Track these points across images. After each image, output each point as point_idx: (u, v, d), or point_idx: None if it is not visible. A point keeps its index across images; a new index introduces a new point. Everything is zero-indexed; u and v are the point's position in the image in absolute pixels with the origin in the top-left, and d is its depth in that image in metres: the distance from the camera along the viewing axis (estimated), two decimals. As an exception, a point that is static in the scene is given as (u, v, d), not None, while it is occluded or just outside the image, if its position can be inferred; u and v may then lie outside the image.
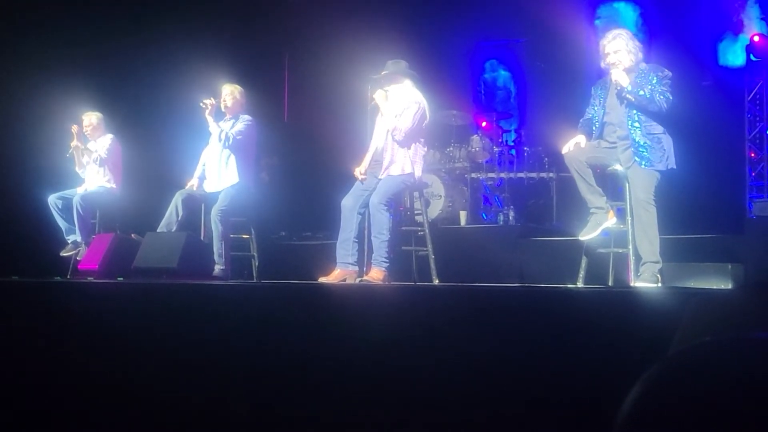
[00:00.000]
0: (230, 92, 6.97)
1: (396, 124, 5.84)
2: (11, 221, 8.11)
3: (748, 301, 1.00)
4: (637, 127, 5.01)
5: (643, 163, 4.97)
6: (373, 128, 6.19)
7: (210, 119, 6.81)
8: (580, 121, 5.38)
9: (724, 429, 0.71)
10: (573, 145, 5.22)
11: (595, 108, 5.26)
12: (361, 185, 5.95)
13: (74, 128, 7.72)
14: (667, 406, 0.74)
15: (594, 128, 5.24)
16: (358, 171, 6.00)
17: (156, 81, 8.96)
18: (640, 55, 5.14)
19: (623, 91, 5.00)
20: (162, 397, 3.87)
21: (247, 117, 6.95)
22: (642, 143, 4.99)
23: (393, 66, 6.05)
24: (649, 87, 4.97)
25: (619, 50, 5.09)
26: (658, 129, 5.03)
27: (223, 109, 6.93)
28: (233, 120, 6.92)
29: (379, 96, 5.97)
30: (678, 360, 0.81)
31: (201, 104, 6.81)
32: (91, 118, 7.82)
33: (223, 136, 6.74)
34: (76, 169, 7.74)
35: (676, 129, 5.14)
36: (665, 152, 5.01)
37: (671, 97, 4.98)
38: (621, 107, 5.08)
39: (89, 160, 7.70)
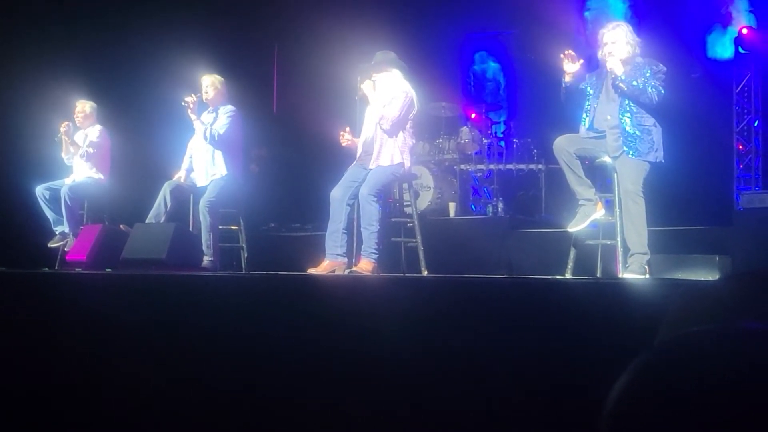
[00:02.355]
0: (211, 83, 6.88)
1: (383, 113, 5.84)
2: (-2, 212, 8.08)
3: (733, 291, 1.01)
4: (628, 117, 5.05)
5: (631, 152, 5.01)
6: (362, 119, 6.19)
7: (193, 117, 6.72)
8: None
9: (709, 418, 0.71)
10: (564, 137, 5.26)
11: (589, 96, 5.28)
12: (351, 176, 5.95)
13: (65, 125, 7.67)
14: (653, 396, 0.75)
15: (586, 116, 5.26)
16: (344, 135, 6.03)
17: (144, 72, 8.92)
18: (638, 50, 5.17)
19: (617, 80, 5.04)
20: (150, 388, 3.86)
21: (229, 108, 6.86)
22: (632, 133, 5.03)
23: (382, 56, 6.05)
24: (643, 79, 5.01)
25: (617, 41, 5.13)
26: (648, 121, 5.06)
27: (204, 101, 6.85)
28: (215, 112, 6.87)
29: (367, 86, 5.96)
30: (664, 350, 0.81)
31: (182, 103, 6.72)
32: (84, 106, 7.76)
33: (208, 134, 6.67)
34: (62, 154, 7.67)
35: (665, 121, 5.16)
36: (654, 144, 5.05)
37: (663, 91, 5.02)
38: (614, 96, 5.12)
39: (75, 152, 7.65)
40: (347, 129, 6.06)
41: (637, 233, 4.98)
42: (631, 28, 5.29)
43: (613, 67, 5.05)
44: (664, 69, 5.09)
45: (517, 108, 10.42)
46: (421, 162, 8.52)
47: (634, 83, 5.00)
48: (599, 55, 5.23)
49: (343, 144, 6.06)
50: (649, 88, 4.99)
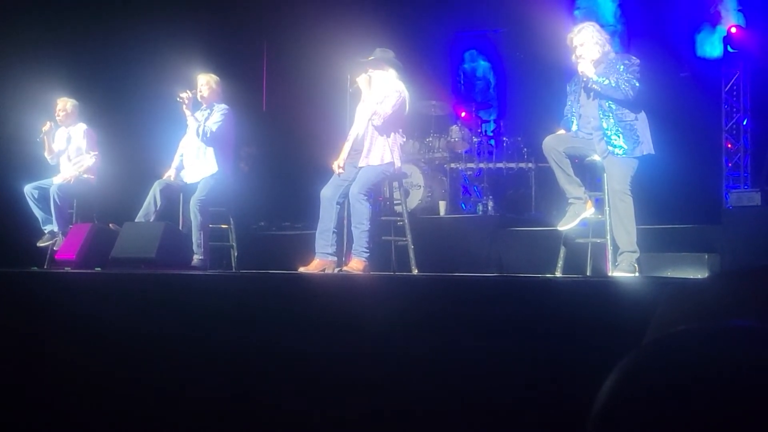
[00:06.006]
0: (206, 82, 6.90)
1: (376, 109, 5.84)
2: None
3: (721, 289, 1.01)
4: (608, 116, 5.07)
5: (617, 151, 5.02)
6: (353, 117, 6.17)
7: (188, 113, 6.75)
8: (562, 120, 5.44)
9: (697, 417, 0.71)
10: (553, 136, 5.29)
11: (571, 102, 5.33)
12: (341, 175, 5.94)
13: (47, 125, 7.62)
14: (642, 395, 0.75)
15: (572, 122, 5.30)
16: (336, 164, 5.99)
17: (134, 69, 8.89)
18: (608, 47, 5.20)
19: (589, 82, 5.07)
20: (139, 387, 3.85)
21: (223, 106, 6.88)
22: (615, 132, 5.05)
23: (381, 53, 6.05)
24: (615, 76, 5.03)
25: (585, 43, 5.16)
26: (630, 116, 5.08)
27: (199, 99, 6.87)
28: (209, 110, 6.87)
29: (362, 80, 5.95)
30: (653, 349, 0.81)
31: (177, 98, 6.74)
32: (66, 104, 7.69)
33: (201, 131, 6.68)
34: (45, 154, 7.63)
35: (653, 119, 5.18)
36: (639, 138, 5.06)
37: (637, 84, 5.03)
38: (592, 98, 5.14)
39: (57, 153, 7.63)
40: (341, 165, 5.99)
41: (626, 231, 4.99)
42: (598, 26, 5.32)
43: (585, 70, 5.08)
44: (638, 61, 5.11)
45: (507, 106, 10.44)
46: (411, 160, 8.52)
47: (606, 82, 5.02)
48: (572, 59, 5.25)
49: (336, 172, 6.00)
50: (623, 83, 5.00)
